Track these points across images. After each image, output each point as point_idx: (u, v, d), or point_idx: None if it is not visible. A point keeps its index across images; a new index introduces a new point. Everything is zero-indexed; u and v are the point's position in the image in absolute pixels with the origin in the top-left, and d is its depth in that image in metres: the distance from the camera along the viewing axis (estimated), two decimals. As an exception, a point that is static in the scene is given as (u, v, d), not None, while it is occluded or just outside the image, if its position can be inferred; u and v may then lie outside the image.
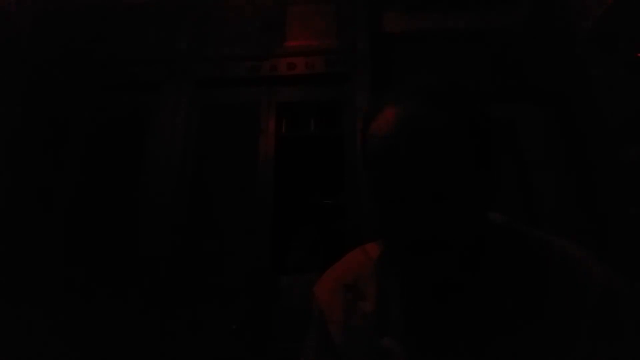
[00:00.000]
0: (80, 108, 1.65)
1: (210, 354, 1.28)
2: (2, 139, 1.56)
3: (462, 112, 0.42)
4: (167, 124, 1.57)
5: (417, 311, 0.47)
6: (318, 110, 1.64)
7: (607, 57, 1.43)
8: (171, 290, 1.35)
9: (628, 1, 1.31)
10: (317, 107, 1.64)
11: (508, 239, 0.47)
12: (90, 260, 1.42)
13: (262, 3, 1.74)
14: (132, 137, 1.59)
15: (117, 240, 1.44)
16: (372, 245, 0.57)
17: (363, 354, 0.47)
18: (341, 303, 0.52)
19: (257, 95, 1.62)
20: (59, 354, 1.27)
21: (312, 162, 1.70)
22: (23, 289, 1.38)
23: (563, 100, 1.59)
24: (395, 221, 0.42)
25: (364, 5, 1.69)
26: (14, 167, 1.54)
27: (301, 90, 1.62)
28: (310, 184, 1.73)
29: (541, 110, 1.61)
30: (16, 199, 1.50)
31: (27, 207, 1.49)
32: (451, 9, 1.78)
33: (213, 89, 1.64)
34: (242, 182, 1.49)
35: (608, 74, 1.42)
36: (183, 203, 1.47)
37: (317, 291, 0.56)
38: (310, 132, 1.62)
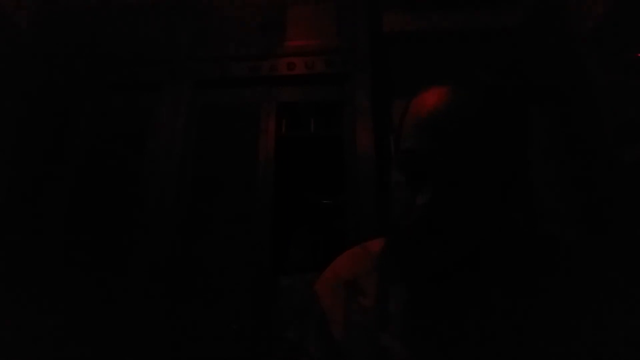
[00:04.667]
0: (80, 108, 1.65)
1: (210, 354, 1.28)
2: (2, 139, 1.56)
3: (514, 109, 0.42)
4: (167, 124, 1.57)
5: (416, 306, 0.47)
6: (318, 110, 1.64)
7: (607, 57, 1.43)
8: (171, 290, 1.36)
9: (628, 2, 1.31)
10: (317, 107, 1.64)
11: (510, 235, 0.47)
12: (89, 260, 1.42)
13: (262, 3, 1.74)
14: (132, 136, 1.59)
15: (117, 240, 1.44)
16: (372, 242, 0.57)
17: (364, 349, 0.47)
18: (342, 300, 0.52)
19: (257, 95, 1.62)
20: (57, 350, 1.27)
21: (312, 162, 1.70)
22: (21, 288, 1.38)
23: (563, 100, 1.59)
24: (413, 197, 0.41)
25: (364, 5, 1.69)
26: (14, 167, 1.54)
27: (301, 90, 1.62)
28: (310, 184, 1.73)
29: (541, 110, 1.61)
30: (16, 198, 1.50)
31: (27, 207, 1.49)
32: (451, 9, 1.78)
33: (213, 89, 1.64)
34: (242, 182, 1.49)
35: (608, 74, 1.42)
36: (183, 203, 1.47)
37: (318, 288, 0.57)
38: (310, 132, 1.62)
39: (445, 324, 0.44)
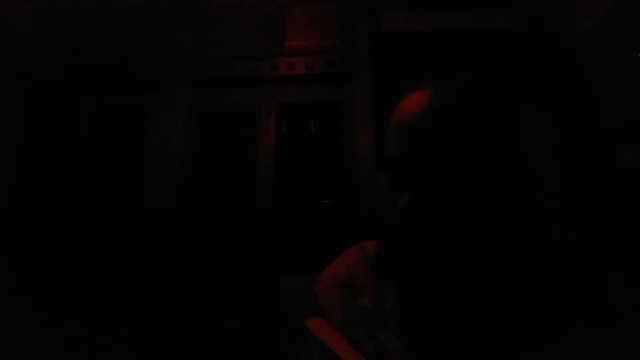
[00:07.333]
0: (80, 108, 1.65)
1: (210, 354, 1.28)
2: (2, 139, 1.56)
3: (493, 110, 0.43)
4: (167, 124, 1.57)
5: (410, 304, 0.47)
6: (318, 110, 1.64)
7: (608, 57, 1.43)
8: (171, 290, 1.36)
9: (628, 2, 1.31)
10: (317, 107, 1.64)
11: (504, 236, 0.47)
12: (88, 260, 1.42)
13: (262, 3, 1.74)
14: (132, 137, 1.59)
15: (117, 241, 1.44)
16: (369, 243, 0.58)
17: (363, 348, 0.47)
18: (340, 300, 0.53)
19: (257, 95, 1.62)
20: (58, 348, 1.27)
21: (312, 162, 1.70)
22: (23, 287, 1.38)
23: (563, 100, 1.59)
24: (397, 200, 0.42)
25: (364, 5, 1.69)
26: (13, 167, 1.54)
27: (301, 90, 1.62)
28: (310, 184, 1.73)
29: (541, 110, 1.61)
30: (15, 199, 1.50)
31: (27, 207, 1.49)
32: (451, 9, 1.78)
33: (213, 89, 1.64)
34: (242, 182, 1.49)
35: (608, 74, 1.42)
36: (183, 203, 1.47)
37: (317, 289, 0.57)
38: (310, 132, 1.63)
39: (439, 320, 0.44)
